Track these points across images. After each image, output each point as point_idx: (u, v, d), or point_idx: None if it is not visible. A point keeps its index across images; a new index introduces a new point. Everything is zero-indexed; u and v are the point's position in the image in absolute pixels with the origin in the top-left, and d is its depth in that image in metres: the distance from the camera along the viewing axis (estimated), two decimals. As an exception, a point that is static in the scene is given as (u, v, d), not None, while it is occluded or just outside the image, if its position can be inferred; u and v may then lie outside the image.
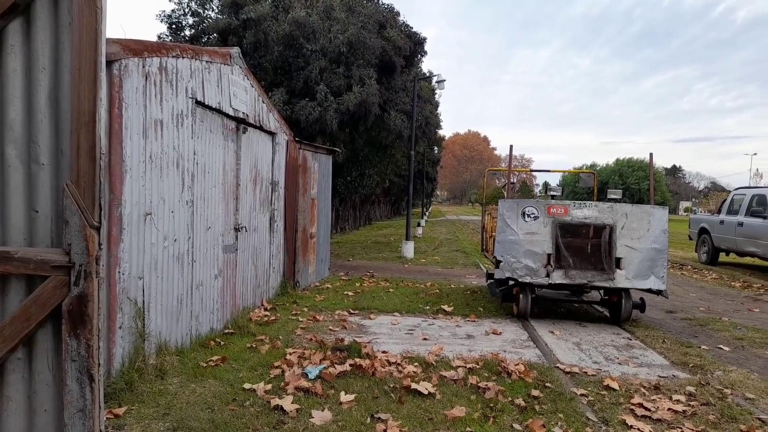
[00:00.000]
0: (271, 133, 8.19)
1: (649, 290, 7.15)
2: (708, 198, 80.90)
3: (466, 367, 5.21)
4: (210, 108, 6.01)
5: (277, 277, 8.71)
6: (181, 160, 5.34)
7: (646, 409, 4.37)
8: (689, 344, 6.53)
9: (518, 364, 5.27)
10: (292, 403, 4.22)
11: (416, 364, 5.30)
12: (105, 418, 3.94)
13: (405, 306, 8.43)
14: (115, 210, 4.38)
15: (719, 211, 15.68)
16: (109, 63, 4.31)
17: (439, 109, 29.09)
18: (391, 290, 9.87)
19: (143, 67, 4.67)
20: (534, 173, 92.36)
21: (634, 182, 47.03)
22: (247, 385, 4.63)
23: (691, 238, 17.53)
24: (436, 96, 28.32)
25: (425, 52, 16.63)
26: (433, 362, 5.38)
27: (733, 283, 12.36)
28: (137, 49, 4.59)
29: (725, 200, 15.73)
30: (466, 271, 13.29)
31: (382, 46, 14.12)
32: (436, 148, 40.86)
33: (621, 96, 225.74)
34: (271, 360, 5.33)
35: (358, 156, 17.49)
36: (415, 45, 16.09)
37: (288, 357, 5.35)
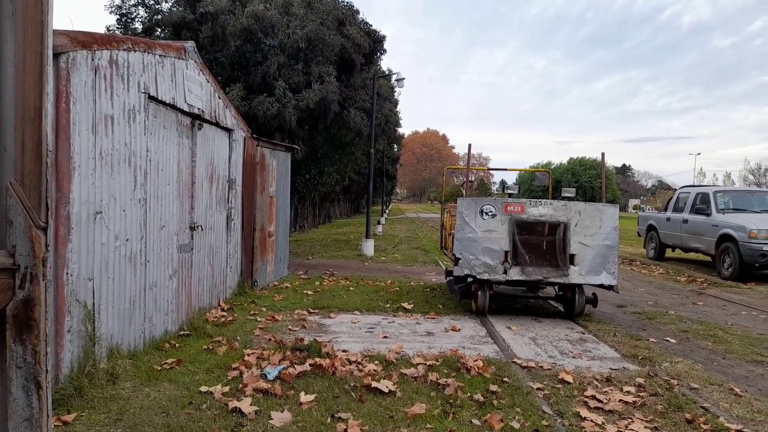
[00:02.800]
0: (228, 130, 8.03)
1: (601, 285, 7.40)
2: (655, 196, 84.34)
3: (426, 364, 5.26)
4: (164, 103, 5.83)
5: (234, 276, 8.55)
6: (134, 157, 5.17)
7: (599, 401, 4.52)
8: (639, 337, 6.79)
9: (477, 360, 5.35)
10: (250, 405, 4.15)
11: (377, 362, 5.31)
12: (53, 426, 3.78)
13: (365, 304, 8.43)
14: (63, 209, 4.20)
15: (666, 209, 16.37)
16: (56, 55, 4.12)
17: (399, 107, 29.20)
18: (351, 289, 9.85)
19: (92, 60, 4.49)
20: (491, 172, 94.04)
21: (587, 180, 48.55)
22: (203, 388, 4.53)
23: (639, 235, 18.24)
24: (396, 94, 28.39)
25: (384, 50, 16.67)
26: (394, 360, 5.40)
27: (678, 278, 12.93)
28: (86, 41, 4.41)
29: (671, 198, 16.43)
30: (425, 269, 13.40)
31: (342, 43, 14.04)
32: (396, 146, 41.04)
33: (574, 97, 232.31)
34: (228, 362, 5.24)
35: (318, 153, 17.37)
36: (375, 43, 16.09)
37: (246, 358, 5.27)
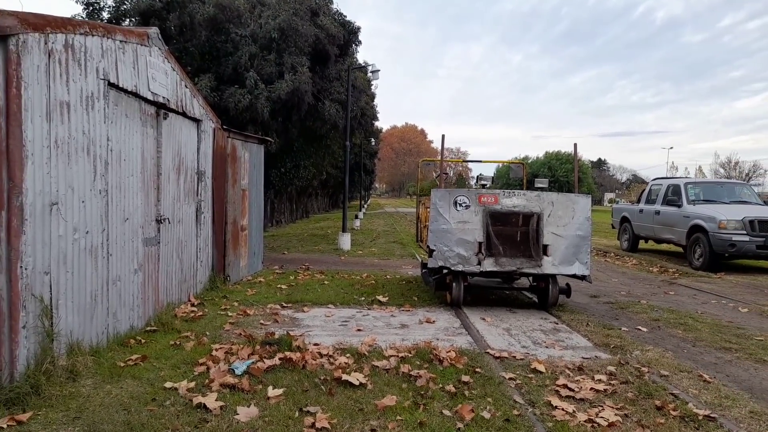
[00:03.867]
0: (196, 120, 7.82)
1: (574, 276, 7.42)
2: (630, 189, 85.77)
3: (398, 356, 5.18)
4: (125, 91, 5.63)
5: (205, 271, 8.36)
6: (93, 146, 4.97)
7: (570, 389, 4.50)
8: (611, 326, 6.83)
9: (450, 351, 5.30)
10: (216, 400, 4.02)
11: (348, 355, 5.22)
12: (6, 425, 3.61)
13: (340, 298, 8.33)
14: (15, 199, 4.00)
15: (639, 201, 16.59)
16: (5, 38, 3.92)
17: (376, 101, 29.03)
18: (326, 282, 9.73)
19: (45, 43, 4.28)
20: (469, 166, 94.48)
21: (563, 174, 49.14)
22: (168, 384, 4.38)
23: (614, 227, 18.47)
24: (372, 87, 28.24)
25: (360, 42, 16.53)
26: (366, 353, 5.31)
27: (651, 269, 13.11)
28: (38, 23, 4.20)
29: (644, 190, 16.65)
30: (402, 262, 13.34)
31: (316, 34, 13.86)
32: (373, 140, 40.89)
33: (550, 92, 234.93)
34: (196, 357, 5.09)
35: (293, 147, 17.16)
36: (350, 34, 15.94)
37: (214, 353, 5.12)
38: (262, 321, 6.76)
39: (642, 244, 16.89)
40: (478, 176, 7.80)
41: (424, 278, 8.84)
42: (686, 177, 15.85)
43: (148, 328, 6.08)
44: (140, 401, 4.07)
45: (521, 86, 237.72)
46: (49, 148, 4.34)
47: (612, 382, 4.75)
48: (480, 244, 7.26)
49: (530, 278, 8.15)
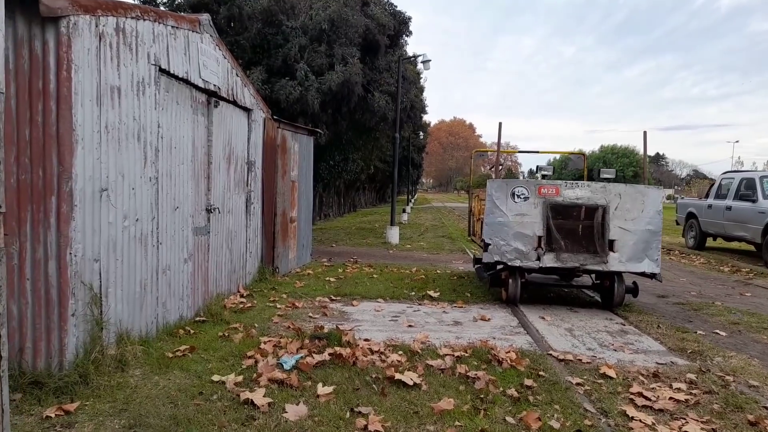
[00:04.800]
0: (247, 110, 7.72)
1: (643, 273, 6.87)
2: (690, 185, 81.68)
3: (453, 355, 4.87)
4: (176, 77, 5.53)
5: (254, 262, 8.28)
6: (143, 133, 4.88)
7: (647, 398, 4.07)
8: (685, 329, 6.27)
9: (509, 352, 4.94)
10: (264, 396, 3.83)
11: (400, 352, 4.95)
12: (54, 414, 3.53)
13: (389, 292, 8.08)
14: (65, 184, 3.92)
15: (707, 196, 15.54)
16: (56, 19, 3.83)
17: (425, 95, 28.60)
18: (375, 276, 9.51)
19: (96, 26, 4.19)
20: (519, 162, 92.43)
21: (619, 169, 47.16)
22: (216, 377, 4.24)
23: (678, 223, 17.41)
24: (422, 81, 27.83)
25: (410, 32, 16.18)
26: (419, 350, 5.03)
27: (721, 268, 12.21)
28: (89, 5, 4.11)
29: (713, 184, 15.58)
30: (452, 257, 12.97)
31: (366, 24, 13.62)
32: (421, 133, 40.45)
33: (604, 84, 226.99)
34: (244, 349, 4.94)
35: (342, 139, 17.02)
36: (400, 24, 15.62)
37: (262, 346, 4.96)
38: (310, 314, 6.59)
39: (710, 242, 15.83)
40: (537, 167, 7.33)
41: (478, 273, 8.46)
42: (761, 171, 14.65)
43: (198, 319, 6.00)
44: (187, 394, 3.94)
45: (574, 79, 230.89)
46: (99, 133, 4.26)
47: (693, 391, 4.28)
48: (539, 238, 6.83)
49: (592, 276, 7.64)
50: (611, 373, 4.60)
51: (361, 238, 16.69)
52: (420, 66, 20.61)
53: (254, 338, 5.33)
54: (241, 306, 6.73)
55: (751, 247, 14.42)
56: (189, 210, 5.96)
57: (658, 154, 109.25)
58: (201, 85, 6.05)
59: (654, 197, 6.87)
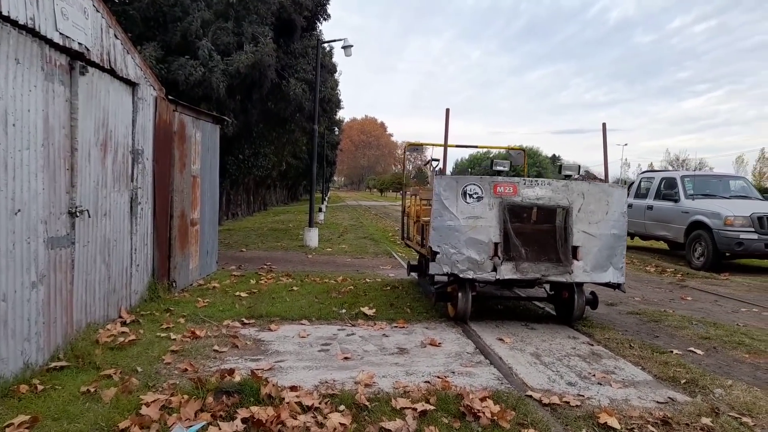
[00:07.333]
0: (131, 83, 6.03)
1: (608, 284, 6.07)
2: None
3: (414, 408, 3.65)
4: (14, 24, 3.85)
5: (142, 277, 6.58)
6: (-52, 97, 3.20)
7: (674, 462, 3.09)
8: (659, 349, 5.49)
9: (484, 399, 3.80)
10: None
11: (342, 407, 3.65)
12: None
13: (315, 309, 6.73)
14: None
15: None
16: None
17: (339, 88, 27.22)
18: (295, 288, 8.10)
19: None
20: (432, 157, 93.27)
21: (522, 169, 48.67)
22: (62, 478, 2.72)
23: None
24: (337, 75, 26.49)
25: (328, 15, 14.81)
26: (366, 403, 3.76)
27: (647, 268, 12.05)
28: None
29: (632, 184, 15.67)
30: (379, 261, 11.80)
31: (280, 0, 12.08)
32: (336, 129, 39.15)
33: (507, 88, 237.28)
34: (115, 417, 3.41)
35: (252, 131, 15.31)
36: (317, 5, 14.20)
37: (144, 410, 3.46)
38: (216, 347, 5.10)
39: (628, 241, 15.91)
40: (492, 160, 6.31)
41: (423, 287, 7.34)
42: (678, 170, 15.03)
43: (53, 365, 4.33)
44: None
45: (480, 82, 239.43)
46: None
47: (718, 444, 3.38)
48: (496, 245, 5.80)
49: (546, 286, 6.77)
50: (613, 422, 3.61)
51: (275, 241, 15.09)
52: (335, 59, 19.32)
53: (134, 395, 3.79)
54: (122, 339, 5.09)
55: (666, 246, 14.60)
56: (39, 214, 4.26)
57: (554, 155, 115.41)
58: (59, 41, 4.37)
59: (618, 197, 6.09)
